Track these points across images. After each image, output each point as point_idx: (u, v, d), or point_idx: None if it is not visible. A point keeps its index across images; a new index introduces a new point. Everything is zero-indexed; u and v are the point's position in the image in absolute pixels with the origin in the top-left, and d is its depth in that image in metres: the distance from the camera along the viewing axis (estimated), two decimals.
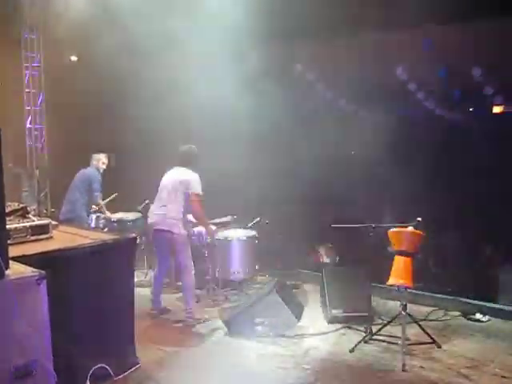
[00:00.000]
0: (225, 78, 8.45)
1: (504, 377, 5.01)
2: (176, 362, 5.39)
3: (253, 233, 7.63)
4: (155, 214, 6.44)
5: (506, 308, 7.01)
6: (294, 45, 9.77)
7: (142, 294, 6.86)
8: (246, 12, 7.58)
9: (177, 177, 6.45)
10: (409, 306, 5.64)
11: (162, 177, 6.62)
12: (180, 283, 6.80)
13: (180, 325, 6.40)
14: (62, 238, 4.96)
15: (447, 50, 8.83)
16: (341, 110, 12.52)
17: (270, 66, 10.00)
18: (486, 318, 6.55)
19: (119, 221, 8.47)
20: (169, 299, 7.25)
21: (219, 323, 6.29)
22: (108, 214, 8.44)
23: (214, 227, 7.14)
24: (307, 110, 12.32)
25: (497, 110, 12.20)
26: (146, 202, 7.91)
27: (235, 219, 7.89)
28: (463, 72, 9.45)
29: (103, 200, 8.38)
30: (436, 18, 8.13)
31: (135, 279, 5.21)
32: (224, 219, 7.83)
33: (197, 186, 6.32)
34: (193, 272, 6.41)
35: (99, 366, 4.50)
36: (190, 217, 6.79)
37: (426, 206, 12.86)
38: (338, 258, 8.94)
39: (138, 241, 7.93)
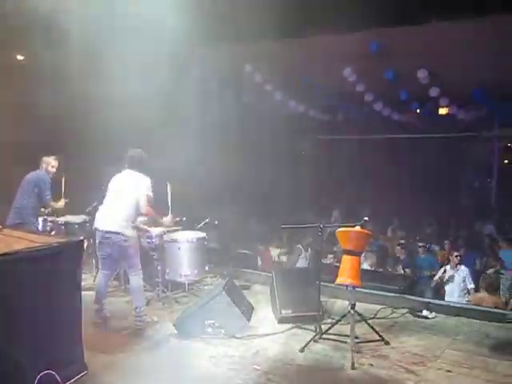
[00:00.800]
0: (171, 80, 8.41)
1: (449, 371, 5.13)
2: (125, 366, 5.27)
3: (202, 234, 7.57)
4: (104, 216, 6.29)
5: (452, 304, 7.22)
6: (243, 46, 9.79)
7: (91, 297, 6.68)
8: (194, 15, 7.56)
9: (127, 180, 6.33)
10: (358, 304, 5.70)
11: (110, 179, 6.48)
12: (128, 286, 6.66)
13: (129, 329, 6.26)
14: (6, 242, 4.80)
15: (394, 52, 9.02)
16: (290, 110, 12.66)
17: (219, 68, 9.99)
18: (433, 314, 6.69)
19: (67, 224, 8.27)
20: (117, 303, 7.13)
21: (169, 326, 6.19)
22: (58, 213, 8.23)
23: (169, 219, 7.01)
24: (257, 111, 12.40)
25: (443, 111, 12.57)
26: (94, 204, 7.75)
27: (184, 221, 7.80)
28: (410, 74, 9.67)
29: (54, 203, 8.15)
30: (383, 21, 8.28)
31: (83, 283, 5.08)
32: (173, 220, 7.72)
33: (147, 190, 6.21)
34: (141, 275, 6.31)
35: (46, 372, 4.36)
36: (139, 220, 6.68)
37: (373, 206, 13.19)
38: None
39: (85, 244, 7.80)
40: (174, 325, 6.09)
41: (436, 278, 9.29)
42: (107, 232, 6.17)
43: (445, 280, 9.28)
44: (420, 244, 10.66)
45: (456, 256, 9.36)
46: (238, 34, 8.75)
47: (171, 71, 9.04)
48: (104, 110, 9.26)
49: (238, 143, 10.66)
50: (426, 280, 9.76)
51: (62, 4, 7.60)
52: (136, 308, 6.26)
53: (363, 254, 9.43)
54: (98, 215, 6.39)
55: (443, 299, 8.53)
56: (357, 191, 14.51)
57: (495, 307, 7.57)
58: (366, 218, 5.44)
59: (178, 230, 7.66)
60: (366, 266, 9.65)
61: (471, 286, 8.89)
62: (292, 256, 10.35)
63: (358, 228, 5.35)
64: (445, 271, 9.34)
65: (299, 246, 10.15)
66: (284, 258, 10.57)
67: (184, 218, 7.70)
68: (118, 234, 6.11)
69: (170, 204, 6.97)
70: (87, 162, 9.95)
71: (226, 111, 11.16)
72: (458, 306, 7.25)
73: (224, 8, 8.31)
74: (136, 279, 6.28)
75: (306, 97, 12.27)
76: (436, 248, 11.30)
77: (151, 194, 6.24)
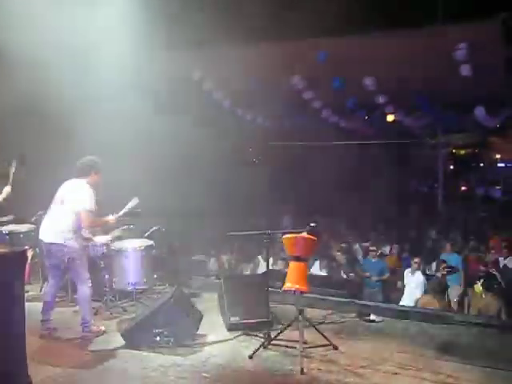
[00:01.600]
0: (123, 88, 8.31)
1: (396, 373, 5.21)
2: (72, 379, 5.15)
3: (149, 242, 7.47)
4: (47, 227, 6.13)
5: (398, 308, 7.34)
6: (193, 54, 9.76)
7: (36, 308, 6.48)
8: (145, 22, 7.51)
9: (69, 190, 6.17)
10: (307, 309, 5.72)
11: (57, 188, 6.30)
12: (76, 296, 6.49)
13: (77, 340, 6.10)
14: None
15: (342, 61, 9.15)
16: (239, 117, 12.69)
17: (169, 75, 9.92)
18: (380, 318, 6.78)
19: (11, 233, 7.98)
20: (65, 313, 6.95)
21: (117, 336, 6.07)
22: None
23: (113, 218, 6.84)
24: (207, 119, 12.38)
25: (390, 118, 12.85)
26: (39, 213, 7.53)
27: (132, 229, 7.68)
28: (357, 82, 9.83)
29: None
30: (328, 31, 8.41)
31: (32, 293, 4.91)
32: (121, 228, 7.61)
33: (87, 203, 6.03)
34: (89, 285, 6.16)
35: None
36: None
37: (323, 212, 13.34)
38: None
39: (31, 253, 7.58)
40: (121, 334, 5.98)
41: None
42: (50, 244, 6.02)
43: (404, 284, 9.53)
44: (371, 248, 10.80)
45: (415, 262, 9.61)
46: (187, 40, 8.73)
47: (119, 77, 8.90)
48: (54, 111, 9.02)
49: (187, 150, 10.59)
50: (376, 284, 9.95)
51: None
52: (83, 319, 6.13)
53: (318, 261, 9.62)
54: (42, 225, 6.23)
55: (393, 303, 8.73)
56: (308, 197, 14.65)
57: (441, 309, 7.79)
58: (312, 224, 5.48)
59: (122, 237, 7.53)
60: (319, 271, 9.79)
61: (421, 292, 9.15)
62: (248, 264, 10.33)
63: (304, 234, 5.38)
64: (404, 276, 9.61)
65: (259, 257, 10.09)
66: (235, 265, 10.56)
67: (132, 226, 7.58)
68: (60, 245, 5.96)
69: (121, 213, 6.79)
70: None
71: (175, 119, 11.10)
72: (405, 309, 7.39)
73: (172, 14, 8.28)
74: (83, 290, 6.13)
75: (255, 104, 12.33)
76: (385, 252, 11.50)
77: (92, 208, 6.06)
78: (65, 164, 6.75)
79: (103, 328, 6.34)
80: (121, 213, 6.77)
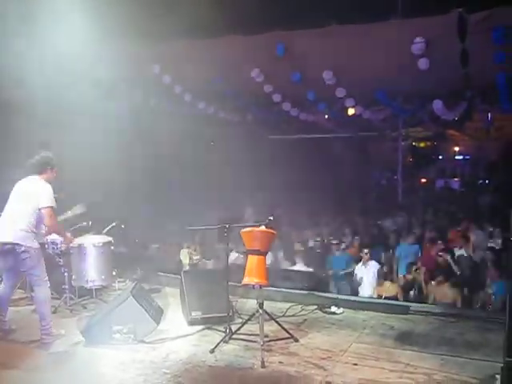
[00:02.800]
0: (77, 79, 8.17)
1: (355, 364, 5.28)
2: (31, 380, 5.08)
3: (108, 238, 7.37)
4: (2, 226, 5.94)
5: (358, 299, 7.44)
6: (151, 46, 9.63)
7: None
8: (102, 12, 7.39)
9: (27, 188, 6.00)
10: (268, 303, 5.75)
11: (7, 188, 6.14)
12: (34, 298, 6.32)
13: (35, 341, 5.93)
14: None
15: (300, 54, 9.15)
16: (200, 111, 12.62)
17: (127, 67, 9.78)
18: (341, 310, 6.85)
19: None
20: (23, 312, 6.87)
21: (77, 334, 5.99)
22: None
23: (69, 235, 6.74)
24: (166, 112, 12.27)
25: (351, 111, 12.94)
26: None
27: (90, 225, 7.56)
28: (316, 76, 9.85)
29: None
30: (287, 24, 8.40)
31: None
32: (79, 225, 7.48)
33: (47, 199, 5.90)
34: (48, 286, 6.01)
35: None
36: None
37: (286, 205, 13.39)
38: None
39: None
40: (81, 332, 5.90)
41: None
42: (6, 244, 5.83)
43: (358, 277, 9.62)
44: (334, 242, 10.85)
45: (366, 253, 9.70)
46: (146, 33, 8.61)
47: (77, 71, 8.75)
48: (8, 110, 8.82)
49: (147, 145, 10.50)
50: (341, 277, 10.04)
51: None
52: (42, 321, 5.93)
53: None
54: None
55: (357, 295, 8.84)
56: (269, 191, 14.68)
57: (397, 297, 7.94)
58: (270, 217, 5.49)
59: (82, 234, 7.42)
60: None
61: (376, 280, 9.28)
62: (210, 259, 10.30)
63: (262, 228, 5.38)
64: (356, 268, 9.71)
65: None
66: (196, 259, 10.51)
67: (90, 223, 7.47)
68: (17, 245, 5.78)
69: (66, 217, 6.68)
70: None
71: (134, 112, 10.99)
72: (365, 300, 7.50)
73: (131, 7, 8.15)
74: (41, 290, 5.96)
75: (216, 98, 12.27)
76: (347, 244, 11.57)
77: (54, 205, 5.96)
78: (15, 164, 6.61)
79: (63, 331, 6.18)
80: (62, 217, 6.65)
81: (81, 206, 6.90)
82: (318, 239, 11.57)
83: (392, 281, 8.85)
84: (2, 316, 6.13)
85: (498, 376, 4.47)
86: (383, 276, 9.09)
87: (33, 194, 5.91)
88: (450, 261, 9.44)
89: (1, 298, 6.13)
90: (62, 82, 8.33)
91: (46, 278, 6.01)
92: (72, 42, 7.91)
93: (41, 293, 5.97)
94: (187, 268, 9.70)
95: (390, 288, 8.73)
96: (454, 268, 9.29)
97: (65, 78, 8.40)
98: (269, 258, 8.86)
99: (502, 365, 4.34)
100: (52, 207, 5.92)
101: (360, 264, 9.80)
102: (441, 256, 9.59)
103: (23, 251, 5.80)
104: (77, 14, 7.47)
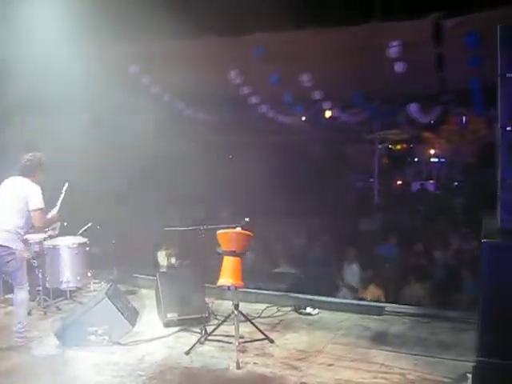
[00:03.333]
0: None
1: (331, 364, 5.31)
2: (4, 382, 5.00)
3: (83, 239, 7.31)
4: None
5: (334, 300, 7.48)
6: (128, 46, 9.57)
7: None
8: (80, 11, 7.32)
9: (14, 189, 5.93)
10: (244, 304, 5.76)
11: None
12: (8, 296, 6.25)
13: (8, 344, 5.85)
14: None
15: (278, 56, 9.18)
16: (179, 112, 12.59)
17: (104, 67, 9.70)
18: (316, 311, 6.88)
19: None
20: None
21: (51, 335, 5.94)
22: None
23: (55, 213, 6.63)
24: (144, 113, 12.21)
25: (328, 114, 13.02)
26: None
27: (65, 226, 7.49)
28: (293, 78, 9.89)
29: None
30: (266, 26, 8.41)
31: None
32: (52, 226, 7.39)
33: (38, 201, 5.86)
34: (28, 288, 5.97)
35: None
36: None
37: (264, 207, 13.41)
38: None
39: None
40: (55, 334, 5.86)
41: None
42: None
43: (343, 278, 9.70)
44: (314, 243, 10.89)
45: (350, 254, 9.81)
46: (125, 33, 8.55)
47: (56, 70, 8.64)
48: None
49: (123, 144, 10.41)
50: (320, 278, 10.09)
51: None
52: (18, 323, 5.86)
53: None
54: None
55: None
56: (244, 192, 14.68)
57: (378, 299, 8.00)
58: (247, 219, 5.51)
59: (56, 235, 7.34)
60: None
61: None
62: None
63: (238, 229, 5.40)
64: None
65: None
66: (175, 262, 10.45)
67: (65, 223, 7.39)
68: (2, 246, 5.72)
69: (58, 203, 6.59)
70: None
71: (113, 113, 10.90)
72: (341, 301, 7.53)
73: (110, 6, 8.09)
74: (22, 294, 5.91)
75: (194, 99, 12.25)
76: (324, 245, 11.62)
77: (43, 206, 5.91)
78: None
79: (37, 333, 6.14)
80: (58, 203, 6.58)
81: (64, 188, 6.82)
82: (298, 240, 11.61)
83: (376, 284, 8.90)
84: None
85: (469, 375, 4.53)
86: (368, 279, 9.13)
87: (21, 195, 5.85)
88: (426, 262, 9.54)
89: None
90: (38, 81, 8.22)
91: (27, 281, 5.97)
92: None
93: (21, 296, 5.91)
94: (162, 270, 9.64)
95: (374, 291, 8.78)
96: (430, 269, 9.40)
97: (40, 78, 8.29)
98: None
99: (474, 364, 4.40)
100: (42, 209, 5.90)
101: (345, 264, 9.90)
102: (417, 257, 9.71)
103: (9, 253, 5.74)
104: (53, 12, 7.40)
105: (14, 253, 5.75)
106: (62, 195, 6.66)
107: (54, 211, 6.47)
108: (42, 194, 5.94)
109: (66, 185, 6.74)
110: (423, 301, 8.50)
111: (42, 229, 6.16)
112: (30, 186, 5.92)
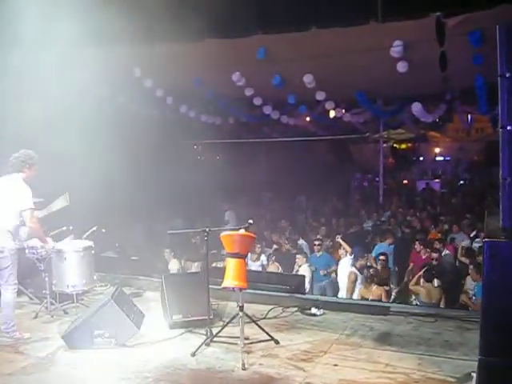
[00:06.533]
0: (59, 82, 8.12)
1: (336, 365, 5.32)
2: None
3: (89, 243, 7.34)
4: None
5: (338, 301, 7.48)
6: (132, 50, 9.62)
7: None
8: (83, 15, 7.37)
9: (5, 188, 5.99)
10: (249, 305, 5.76)
11: None
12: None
13: (13, 345, 5.89)
14: None
15: (281, 57, 9.21)
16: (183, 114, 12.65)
17: (110, 71, 9.76)
18: (321, 311, 6.88)
19: None
20: None
21: (58, 339, 5.95)
22: None
23: (50, 240, 6.71)
24: (147, 116, 12.26)
25: (332, 114, 13.06)
26: None
27: (71, 230, 7.54)
28: (297, 79, 9.91)
29: None
30: (267, 28, 8.44)
31: None
32: (60, 230, 7.45)
33: (27, 201, 5.90)
34: (16, 289, 6.02)
35: None
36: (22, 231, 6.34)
37: (268, 208, 13.43)
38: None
39: None
40: (62, 337, 5.88)
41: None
42: None
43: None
44: (315, 243, 10.82)
45: (347, 253, 9.80)
46: (129, 36, 8.59)
47: (60, 73, 8.70)
48: None
49: (127, 147, 10.46)
50: (324, 278, 10.11)
51: None
52: (5, 324, 5.93)
53: None
54: None
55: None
56: (250, 193, 14.74)
57: (379, 299, 7.99)
58: (250, 221, 5.52)
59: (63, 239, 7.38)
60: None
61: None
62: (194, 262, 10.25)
63: (242, 231, 5.41)
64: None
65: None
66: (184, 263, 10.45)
67: (71, 227, 7.44)
68: None
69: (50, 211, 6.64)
70: None
71: (116, 115, 10.94)
72: (345, 302, 7.54)
73: (115, 10, 8.13)
74: (9, 293, 5.96)
75: (198, 101, 12.31)
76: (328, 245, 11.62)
77: (32, 205, 5.95)
78: None
79: (28, 335, 6.13)
80: (45, 212, 6.62)
81: (63, 198, 6.85)
82: (300, 241, 11.62)
83: (378, 283, 8.89)
84: None
85: (473, 374, 4.54)
86: (370, 278, 9.13)
87: (12, 195, 5.91)
88: (435, 262, 9.51)
89: None
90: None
91: (16, 282, 6.01)
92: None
93: (8, 296, 5.96)
94: (167, 272, 9.61)
95: (375, 291, 8.78)
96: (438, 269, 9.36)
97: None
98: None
99: (478, 363, 4.40)
100: (31, 209, 5.93)
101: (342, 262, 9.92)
102: (428, 257, 9.71)
103: (1, 252, 5.80)
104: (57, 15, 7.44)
105: (2, 251, 5.81)
106: (59, 205, 6.69)
107: (51, 243, 6.58)
108: (42, 194, 5.99)
109: (66, 195, 6.77)
110: (433, 300, 8.49)
111: (34, 229, 6.14)
112: (19, 186, 5.97)
